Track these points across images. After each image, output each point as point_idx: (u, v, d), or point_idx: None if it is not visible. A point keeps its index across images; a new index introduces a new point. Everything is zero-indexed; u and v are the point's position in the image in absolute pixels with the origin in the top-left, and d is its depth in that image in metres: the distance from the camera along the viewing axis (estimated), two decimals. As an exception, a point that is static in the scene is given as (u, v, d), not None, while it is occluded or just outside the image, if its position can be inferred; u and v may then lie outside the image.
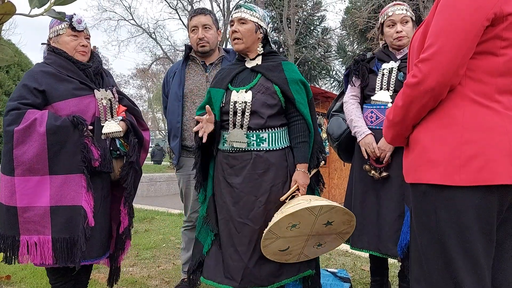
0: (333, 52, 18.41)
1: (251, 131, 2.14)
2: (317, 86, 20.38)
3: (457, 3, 1.25)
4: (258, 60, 2.23)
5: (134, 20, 20.81)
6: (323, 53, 18.63)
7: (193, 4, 19.54)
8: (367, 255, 3.14)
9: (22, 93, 2.04)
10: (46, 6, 0.90)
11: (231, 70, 2.28)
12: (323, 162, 2.23)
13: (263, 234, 2.01)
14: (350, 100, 2.50)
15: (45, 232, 2.00)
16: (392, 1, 12.11)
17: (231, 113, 2.15)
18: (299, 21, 17.40)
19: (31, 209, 1.99)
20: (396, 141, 1.47)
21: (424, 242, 1.32)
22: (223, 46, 2.90)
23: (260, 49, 2.22)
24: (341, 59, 17.40)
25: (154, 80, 31.57)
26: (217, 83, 2.28)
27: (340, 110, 2.66)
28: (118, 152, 2.25)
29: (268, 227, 1.99)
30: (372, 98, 2.40)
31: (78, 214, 2.03)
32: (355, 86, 2.51)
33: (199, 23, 2.69)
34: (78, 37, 2.20)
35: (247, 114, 2.12)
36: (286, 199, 2.10)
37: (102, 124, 2.18)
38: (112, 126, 2.21)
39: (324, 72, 18.65)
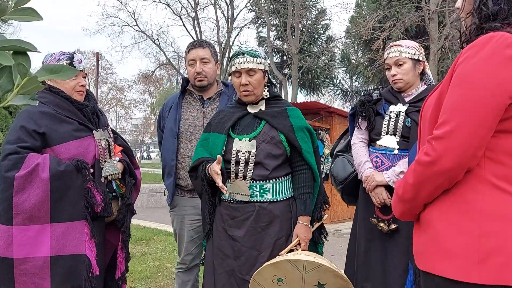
0: (337, 60, 18.24)
1: (254, 182, 1.99)
2: (320, 94, 20.26)
3: (476, 77, 1.11)
4: (262, 105, 2.08)
5: (138, 26, 20.73)
6: (327, 62, 18.49)
7: (197, 11, 19.50)
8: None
9: (20, 136, 1.92)
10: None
11: (231, 114, 2.11)
12: (326, 215, 2.10)
13: (249, 283, 1.90)
14: (359, 143, 2.36)
15: (43, 285, 1.89)
16: (394, 8, 11.89)
17: (233, 162, 2.01)
18: (303, 29, 17.29)
19: (30, 261, 1.87)
20: (406, 217, 1.33)
21: None
22: (222, 79, 2.76)
23: (266, 93, 2.07)
24: (345, 68, 17.23)
25: (157, 85, 31.49)
26: (217, 127, 2.11)
27: (345, 150, 2.53)
28: (114, 194, 2.17)
29: (252, 276, 1.88)
30: (378, 142, 2.27)
31: (81, 263, 1.94)
32: (361, 128, 2.37)
33: (197, 56, 2.54)
34: (77, 77, 2.10)
35: (251, 165, 1.98)
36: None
37: (101, 166, 2.10)
38: (112, 168, 2.13)
39: (328, 80, 18.50)
